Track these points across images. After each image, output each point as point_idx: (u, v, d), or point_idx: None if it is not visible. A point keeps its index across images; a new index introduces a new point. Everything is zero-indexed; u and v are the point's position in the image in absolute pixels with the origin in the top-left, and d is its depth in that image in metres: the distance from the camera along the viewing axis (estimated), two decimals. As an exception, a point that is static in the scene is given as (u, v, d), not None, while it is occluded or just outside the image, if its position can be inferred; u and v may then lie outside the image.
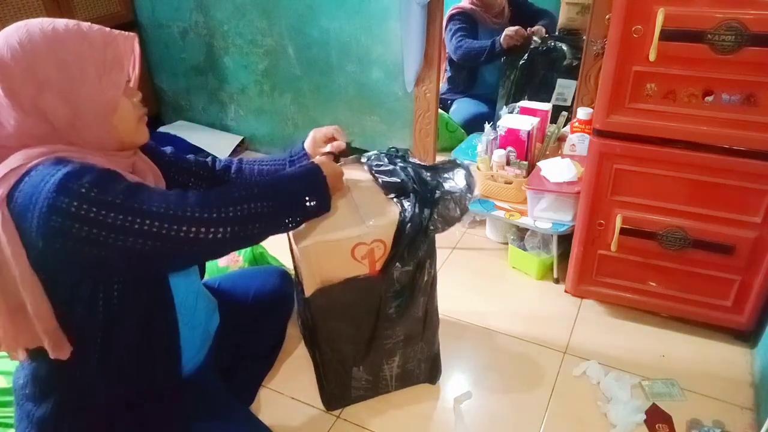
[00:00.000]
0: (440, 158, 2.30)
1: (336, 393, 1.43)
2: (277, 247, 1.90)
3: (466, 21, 2.73)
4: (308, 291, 1.23)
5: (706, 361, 1.56)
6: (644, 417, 1.38)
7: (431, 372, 1.49)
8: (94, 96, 0.90)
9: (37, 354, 0.94)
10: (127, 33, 0.96)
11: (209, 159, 1.31)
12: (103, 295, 0.92)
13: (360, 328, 1.31)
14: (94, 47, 0.90)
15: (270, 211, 0.99)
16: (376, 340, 1.33)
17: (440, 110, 2.46)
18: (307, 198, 1.05)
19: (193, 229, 0.89)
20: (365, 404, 1.46)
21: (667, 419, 1.39)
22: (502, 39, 2.55)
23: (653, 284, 1.61)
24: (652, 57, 1.29)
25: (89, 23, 0.94)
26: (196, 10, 2.65)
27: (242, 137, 2.87)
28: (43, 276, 0.87)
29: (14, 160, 0.85)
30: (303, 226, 1.13)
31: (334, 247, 1.17)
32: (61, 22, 0.91)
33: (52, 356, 0.90)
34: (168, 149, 1.23)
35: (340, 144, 1.29)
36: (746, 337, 1.60)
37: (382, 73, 2.34)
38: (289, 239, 1.29)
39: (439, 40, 2.13)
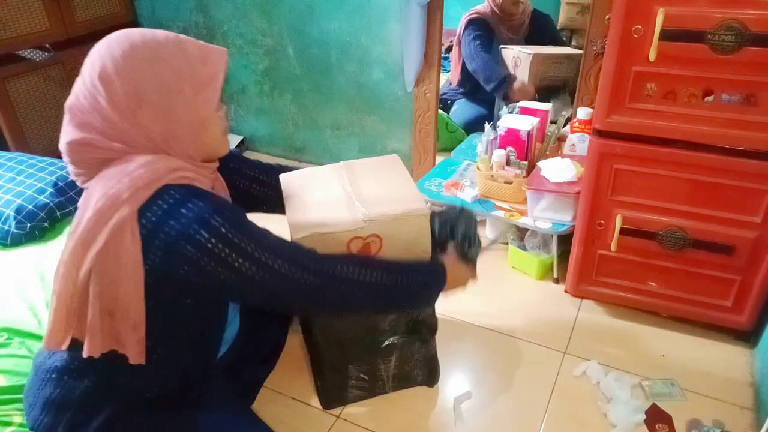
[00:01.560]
0: (440, 158, 2.31)
1: (332, 392, 1.43)
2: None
3: (484, 29, 2.74)
4: None
5: (706, 361, 1.56)
6: (644, 417, 1.38)
7: (429, 375, 1.49)
8: (188, 113, 0.94)
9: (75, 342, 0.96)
10: (220, 48, 0.99)
11: (275, 165, 1.37)
12: (182, 306, 0.98)
13: (356, 325, 1.32)
14: (192, 64, 0.94)
15: (386, 296, 1.12)
16: (373, 336, 1.34)
17: (440, 110, 2.46)
18: (418, 296, 1.19)
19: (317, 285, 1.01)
20: (365, 404, 1.46)
21: (667, 419, 1.39)
22: (515, 89, 2.60)
23: (653, 284, 1.60)
24: (652, 57, 1.29)
25: (186, 37, 0.97)
26: (196, 10, 2.65)
27: (242, 137, 2.87)
28: (147, 289, 0.91)
29: (138, 173, 0.89)
30: (301, 217, 1.19)
31: (329, 240, 1.16)
32: (161, 36, 0.94)
33: (132, 362, 0.95)
34: (233, 151, 1.24)
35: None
36: (746, 337, 1.60)
37: (382, 73, 2.35)
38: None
39: (439, 40, 2.14)
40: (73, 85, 0.94)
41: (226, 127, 1.04)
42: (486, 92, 2.80)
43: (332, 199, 1.23)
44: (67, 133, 0.93)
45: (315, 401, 1.47)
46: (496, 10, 2.74)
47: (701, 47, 1.25)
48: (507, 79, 2.61)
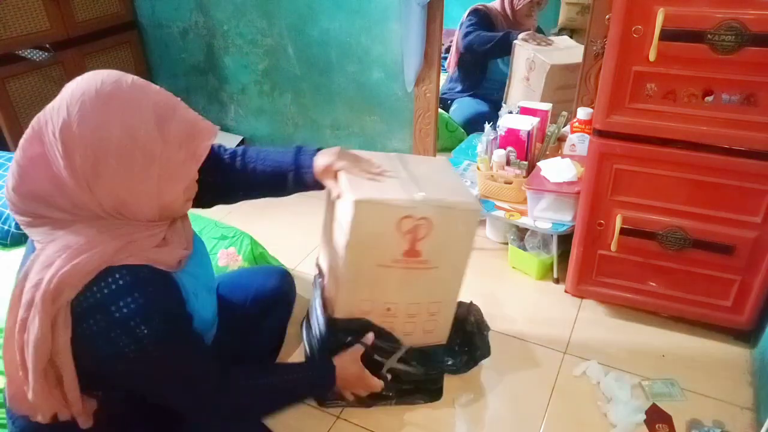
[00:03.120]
0: (440, 157, 2.31)
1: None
2: (277, 247, 1.91)
3: (485, 19, 2.72)
4: (350, 256, 1.20)
5: (706, 361, 1.56)
6: (644, 417, 1.38)
7: (433, 392, 1.48)
8: (148, 193, 0.88)
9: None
10: (209, 128, 0.93)
11: (215, 146, 1.25)
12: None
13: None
14: (168, 148, 0.87)
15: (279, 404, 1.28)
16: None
17: (440, 110, 2.46)
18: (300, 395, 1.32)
19: (216, 403, 1.03)
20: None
21: (667, 419, 1.39)
22: (524, 34, 2.52)
23: (653, 284, 1.60)
24: (652, 57, 1.29)
25: (177, 106, 0.90)
26: (196, 10, 2.65)
27: (242, 137, 2.87)
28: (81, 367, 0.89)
29: (83, 258, 0.83)
30: (354, 184, 1.15)
31: (383, 211, 1.15)
32: (147, 103, 0.86)
33: (82, 426, 0.94)
34: None
35: (369, 337, 1.33)
36: (746, 337, 1.60)
37: (382, 73, 2.34)
38: (330, 205, 1.29)
39: (439, 40, 2.13)
40: (38, 117, 0.86)
41: (191, 195, 0.98)
42: (486, 89, 2.80)
43: (388, 179, 1.21)
44: (15, 177, 0.86)
45: (315, 401, 1.47)
46: (509, 14, 2.73)
47: (701, 47, 1.25)
48: (510, 35, 2.54)
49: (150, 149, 0.85)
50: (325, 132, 2.65)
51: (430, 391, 1.46)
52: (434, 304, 1.34)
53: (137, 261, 0.88)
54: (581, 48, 2.51)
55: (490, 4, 2.77)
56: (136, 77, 0.89)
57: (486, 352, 1.50)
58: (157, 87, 0.90)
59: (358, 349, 1.31)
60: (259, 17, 2.51)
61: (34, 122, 0.86)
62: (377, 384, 1.32)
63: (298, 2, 2.38)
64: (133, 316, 0.85)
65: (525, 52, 2.49)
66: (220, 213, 1.76)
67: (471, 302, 1.57)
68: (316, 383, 1.28)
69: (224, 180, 1.20)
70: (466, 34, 2.69)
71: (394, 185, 1.20)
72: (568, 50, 2.49)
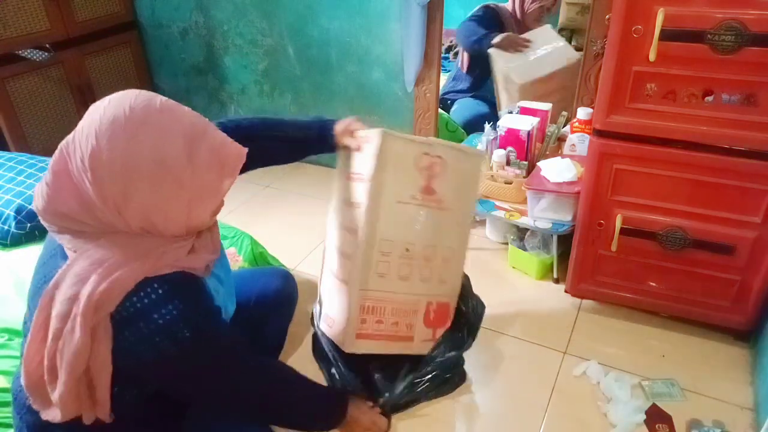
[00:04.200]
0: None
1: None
2: (277, 247, 1.91)
3: (491, 17, 2.69)
4: (373, 188, 1.25)
5: (706, 361, 1.56)
6: (644, 417, 1.38)
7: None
8: (176, 216, 0.89)
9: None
10: (239, 151, 0.92)
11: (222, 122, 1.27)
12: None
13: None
14: (197, 174, 0.87)
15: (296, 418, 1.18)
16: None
17: (440, 110, 2.46)
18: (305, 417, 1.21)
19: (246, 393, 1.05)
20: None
21: (667, 419, 1.39)
22: (498, 38, 2.53)
23: (653, 284, 1.60)
24: (652, 57, 1.29)
25: (207, 127, 0.89)
26: (196, 10, 2.65)
27: (242, 137, 2.87)
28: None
29: (117, 275, 0.85)
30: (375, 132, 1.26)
31: (405, 146, 1.27)
32: (178, 128, 0.86)
33: (105, 421, 0.94)
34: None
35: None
36: (746, 337, 1.60)
37: (382, 73, 2.35)
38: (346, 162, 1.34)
39: (440, 39, 2.14)
40: (67, 141, 0.85)
41: (218, 210, 0.99)
42: (487, 90, 2.79)
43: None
44: (44, 198, 0.87)
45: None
46: (519, 16, 2.71)
47: (701, 47, 1.25)
48: (490, 36, 2.53)
49: (179, 175, 0.86)
50: (325, 132, 2.65)
51: (455, 374, 1.49)
52: (448, 249, 1.40)
53: (170, 270, 0.90)
54: (562, 45, 2.52)
55: (502, 4, 2.76)
56: (164, 99, 0.88)
57: (477, 311, 1.52)
58: (187, 108, 0.90)
59: (359, 401, 1.34)
60: (259, 17, 2.51)
61: (63, 145, 0.86)
62: (384, 424, 1.35)
63: (298, 2, 2.38)
64: (176, 322, 0.88)
65: (499, 66, 2.51)
66: (220, 213, 1.75)
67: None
68: (328, 403, 1.26)
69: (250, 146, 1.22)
70: (461, 24, 2.67)
71: (418, 137, 1.34)
72: (543, 58, 2.47)
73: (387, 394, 1.37)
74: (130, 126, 0.82)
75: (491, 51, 2.53)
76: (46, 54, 2.39)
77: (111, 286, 0.84)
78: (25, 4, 2.29)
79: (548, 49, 2.51)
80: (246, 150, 0.94)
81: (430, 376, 1.41)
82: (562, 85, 2.43)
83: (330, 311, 1.40)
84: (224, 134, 0.93)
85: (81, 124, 0.85)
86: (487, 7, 2.71)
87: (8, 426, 1.13)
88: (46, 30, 2.40)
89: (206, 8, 2.61)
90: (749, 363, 1.55)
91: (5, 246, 1.71)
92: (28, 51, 2.34)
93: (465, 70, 2.84)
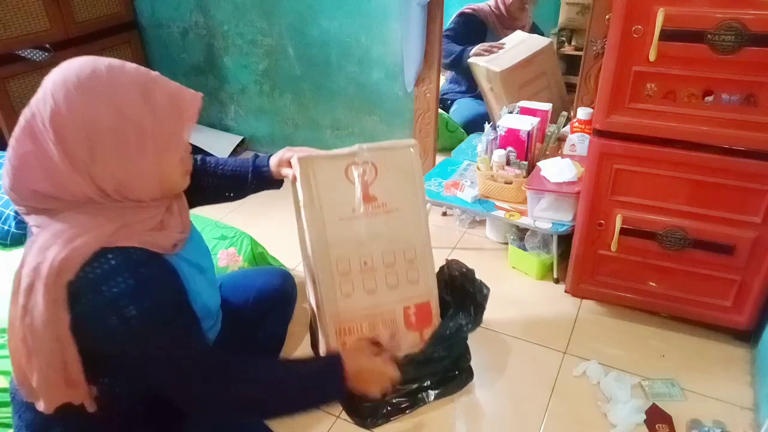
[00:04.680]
0: (440, 158, 2.31)
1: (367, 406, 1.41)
2: (277, 247, 1.91)
3: (469, 25, 2.72)
4: (308, 214, 1.25)
5: (706, 361, 1.56)
6: (644, 417, 1.38)
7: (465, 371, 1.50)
8: (147, 168, 0.89)
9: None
10: (193, 94, 0.94)
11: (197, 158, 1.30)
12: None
13: None
14: (157, 117, 0.88)
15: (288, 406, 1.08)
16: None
17: (440, 110, 2.46)
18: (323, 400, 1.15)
19: (212, 395, 0.97)
20: (365, 404, 1.46)
21: (667, 419, 1.39)
22: (472, 50, 2.55)
23: (653, 284, 1.60)
24: (652, 57, 1.29)
25: (157, 76, 0.90)
26: (196, 10, 2.65)
27: (242, 137, 2.87)
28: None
29: (78, 242, 0.84)
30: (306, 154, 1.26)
31: (327, 164, 1.26)
32: (128, 79, 0.87)
33: (89, 410, 0.94)
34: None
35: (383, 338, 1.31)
36: (746, 337, 1.60)
37: (382, 73, 2.35)
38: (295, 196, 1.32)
39: (439, 40, 2.14)
40: (29, 105, 0.85)
41: (187, 168, 0.99)
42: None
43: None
44: (10, 176, 0.87)
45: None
46: (502, 10, 2.72)
47: (701, 47, 1.25)
48: (465, 51, 2.58)
49: (140, 123, 0.86)
50: (325, 132, 2.65)
51: (462, 371, 1.48)
52: (409, 249, 1.35)
53: (131, 243, 0.89)
54: (533, 38, 2.60)
55: (480, 5, 2.77)
56: (110, 59, 0.90)
57: (483, 292, 1.48)
58: (133, 64, 0.91)
59: (360, 342, 1.28)
60: (259, 17, 2.51)
61: (21, 118, 0.86)
62: (393, 372, 1.18)
63: (298, 2, 2.38)
64: (122, 296, 0.85)
65: (479, 68, 2.56)
66: (220, 213, 1.76)
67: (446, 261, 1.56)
68: (326, 377, 1.10)
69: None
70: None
71: (341, 150, 1.31)
72: (516, 48, 2.56)
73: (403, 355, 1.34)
74: (83, 82, 0.84)
75: (470, 61, 2.58)
76: (46, 54, 2.39)
77: (69, 254, 0.83)
78: (25, 4, 2.30)
79: (521, 38, 2.61)
80: (201, 94, 0.95)
81: (440, 358, 1.37)
82: (542, 70, 2.51)
83: (316, 331, 1.41)
84: (176, 82, 0.94)
85: (36, 95, 0.86)
86: (461, 15, 2.73)
87: (8, 426, 1.13)
88: (46, 30, 2.40)
89: (206, 8, 2.61)
90: (749, 363, 1.55)
91: (5, 246, 1.71)
92: (28, 51, 2.34)
93: (447, 75, 2.87)
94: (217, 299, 1.19)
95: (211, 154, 1.54)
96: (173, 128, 0.91)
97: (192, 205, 1.16)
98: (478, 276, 1.51)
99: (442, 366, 1.43)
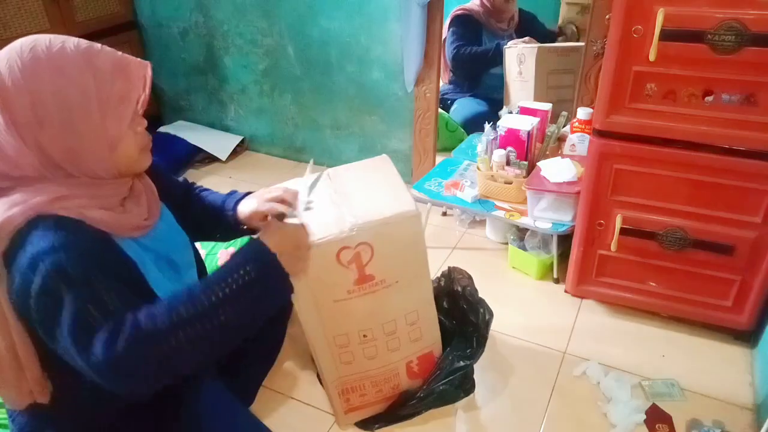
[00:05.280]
0: (440, 158, 2.31)
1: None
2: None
3: (468, 25, 2.74)
4: (299, 304, 1.18)
5: (706, 361, 1.56)
6: (644, 417, 1.38)
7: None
8: (95, 133, 0.88)
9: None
10: (139, 62, 0.94)
11: (183, 181, 1.31)
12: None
13: None
14: (101, 80, 0.88)
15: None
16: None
17: (440, 110, 2.46)
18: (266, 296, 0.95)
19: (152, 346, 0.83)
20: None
21: (667, 419, 1.39)
22: (509, 42, 2.58)
23: (653, 284, 1.60)
24: (652, 57, 1.29)
25: (101, 46, 0.91)
26: (196, 10, 2.65)
27: (242, 137, 2.87)
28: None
29: (12, 205, 0.84)
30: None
31: (316, 252, 1.09)
32: (69, 47, 0.88)
33: (39, 400, 0.92)
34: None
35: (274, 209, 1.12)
36: (746, 337, 1.60)
37: (382, 73, 2.34)
38: None
39: (439, 40, 2.14)
40: None
41: (144, 143, 0.97)
42: (486, 89, 2.80)
43: (318, 211, 1.14)
44: None
45: (315, 401, 1.47)
46: (488, 5, 2.75)
47: (701, 47, 1.25)
48: (500, 46, 2.63)
49: (83, 84, 0.86)
50: (325, 132, 2.65)
51: (464, 384, 1.42)
52: (410, 314, 1.28)
53: (70, 214, 0.87)
54: (571, 44, 2.65)
55: (469, 5, 2.79)
56: (52, 35, 0.90)
57: (485, 318, 1.41)
58: (76, 38, 0.91)
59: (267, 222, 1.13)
60: (259, 17, 2.51)
61: None
62: (304, 232, 1.05)
63: (298, 2, 2.38)
64: (40, 251, 0.82)
65: (514, 51, 2.59)
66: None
67: (447, 269, 1.51)
68: (249, 267, 0.91)
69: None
70: (455, 51, 2.72)
71: (324, 218, 1.13)
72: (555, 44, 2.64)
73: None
74: (24, 53, 0.85)
75: (507, 46, 2.61)
76: (46, 54, 2.40)
77: (3, 222, 0.83)
78: (25, 4, 2.29)
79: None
80: (148, 63, 0.96)
81: (440, 388, 1.35)
82: (572, 68, 2.48)
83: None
84: (123, 53, 0.94)
85: None
86: (458, 18, 2.76)
87: (8, 427, 1.13)
88: (46, 30, 2.39)
89: (206, 8, 2.61)
90: (749, 363, 1.55)
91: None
92: (28, 51, 2.34)
93: (447, 82, 2.91)
94: (179, 283, 1.11)
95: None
96: (118, 91, 0.90)
97: (192, 237, 1.17)
98: (477, 276, 1.51)
99: (445, 397, 1.40)
